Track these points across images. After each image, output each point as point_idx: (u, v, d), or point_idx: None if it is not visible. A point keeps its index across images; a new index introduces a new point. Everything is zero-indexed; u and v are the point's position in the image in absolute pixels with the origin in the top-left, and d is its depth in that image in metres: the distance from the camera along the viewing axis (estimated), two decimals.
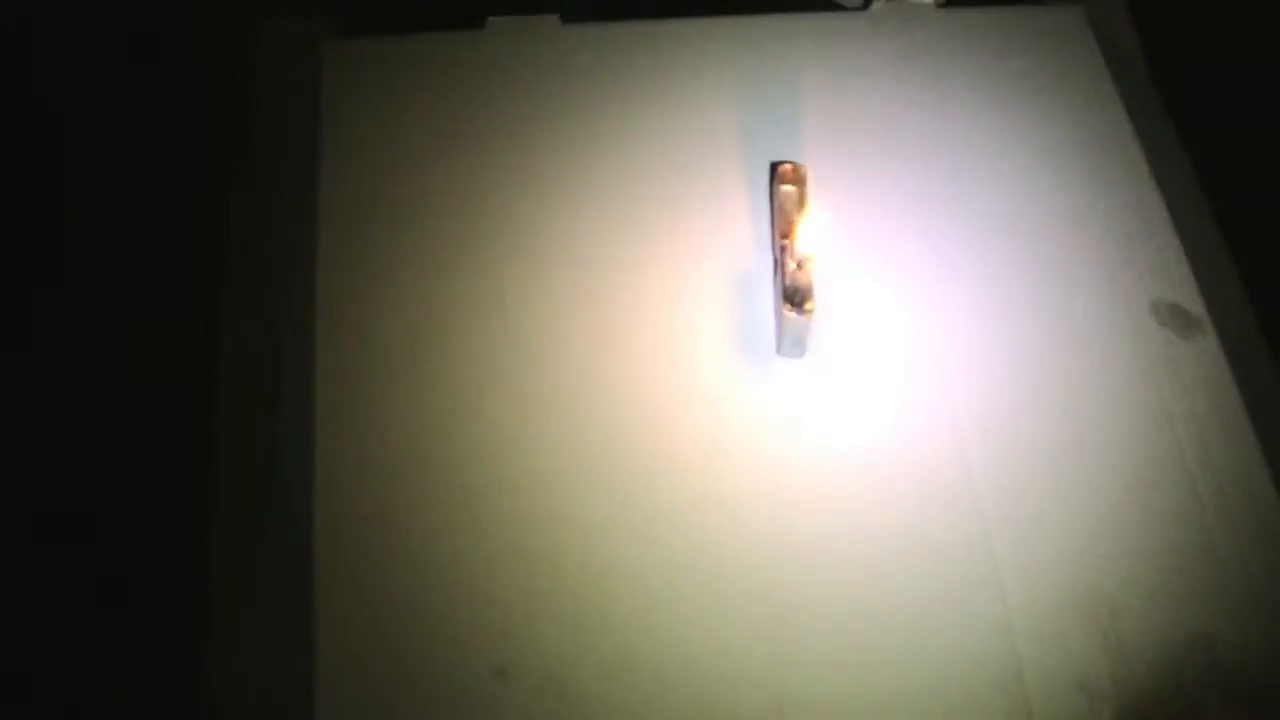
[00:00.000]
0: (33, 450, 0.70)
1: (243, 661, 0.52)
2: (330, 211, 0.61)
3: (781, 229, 0.57)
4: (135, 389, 0.70)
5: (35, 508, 0.68)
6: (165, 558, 0.62)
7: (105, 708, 0.63)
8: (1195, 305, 0.60)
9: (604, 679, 0.49)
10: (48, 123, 0.80)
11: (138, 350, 0.71)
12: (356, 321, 0.58)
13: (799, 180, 0.57)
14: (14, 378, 0.71)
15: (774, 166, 0.59)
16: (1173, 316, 0.60)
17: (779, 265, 0.57)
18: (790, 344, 0.56)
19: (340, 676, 0.49)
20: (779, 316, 0.56)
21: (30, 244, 0.76)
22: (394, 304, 0.58)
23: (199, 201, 0.70)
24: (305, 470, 0.54)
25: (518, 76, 0.66)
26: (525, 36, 0.67)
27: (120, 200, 0.77)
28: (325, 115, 0.64)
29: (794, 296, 0.54)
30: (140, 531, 0.66)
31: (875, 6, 0.69)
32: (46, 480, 0.68)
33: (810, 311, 0.54)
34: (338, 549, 0.52)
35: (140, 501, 0.67)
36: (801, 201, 0.57)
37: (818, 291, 0.55)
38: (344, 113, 0.64)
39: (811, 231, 0.54)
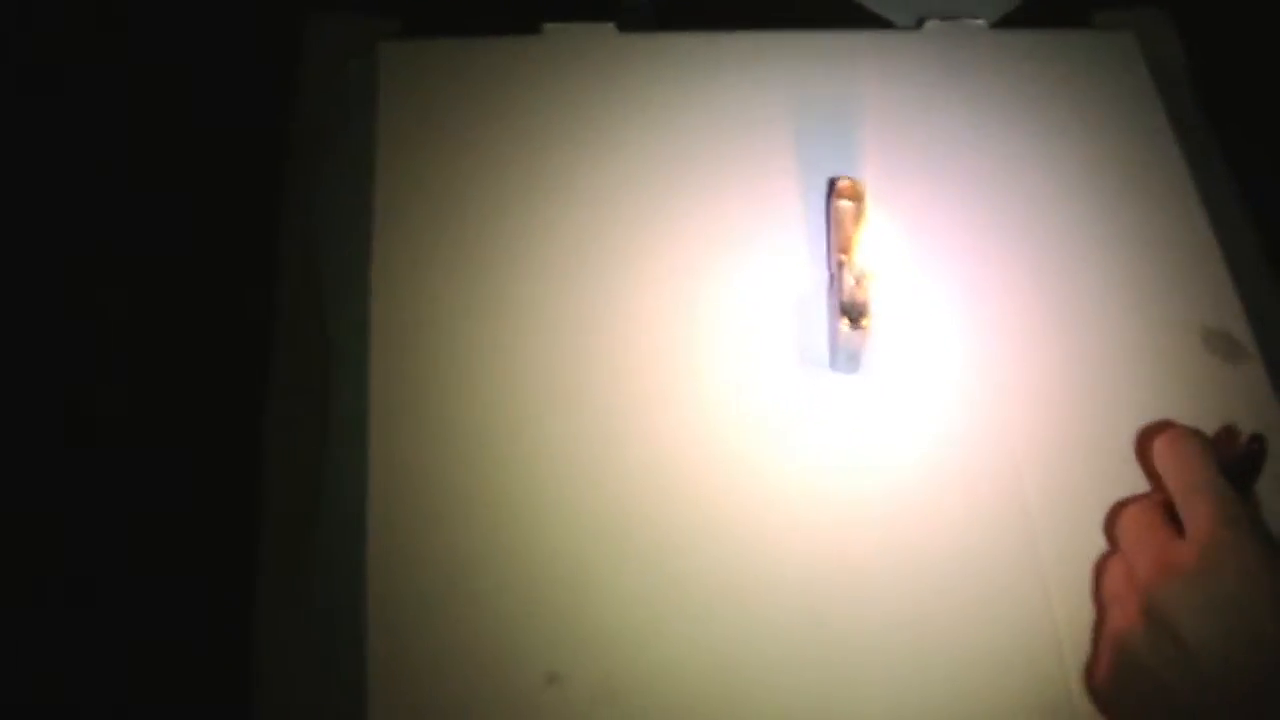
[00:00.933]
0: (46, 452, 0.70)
1: (293, 664, 0.52)
2: (385, 210, 0.61)
3: (839, 244, 0.57)
4: (181, 387, 0.70)
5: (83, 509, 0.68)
6: (213, 562, 0.63)
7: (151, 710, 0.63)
8: (1242, 332, 0.60)
9: (655, 688, 0.50)
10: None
11: (183, 347, 0.71)
12: (411, 323, 0.58)
13: (857, 196, 0.58)
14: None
15: (832, 182, 0.60)
16: (1220, 343, 0.60)
17: (835, 280, 0.57)
18: (845, 359, 0.56)
19: (391, 679, 0.49)
20: (833, 331, 0.56)
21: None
22: (449, 307, 0.58)
23: (249, 194, 0.71)
24: (358, 473, 0.54)
25: (573, 84, 0.66)
26: (581, 44, 0.67)
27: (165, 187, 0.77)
28: (381, 114, 0.64)
29: (851, 311, 0.55)
30: (186, 532, 0.66)
31: (928, 25, 0.70)
32: (81, 482, 0.69)
33: (867, 327, 0.54)
34: (389, 553, 0.52)
35: (186, 499, 0.67)
36: (859, 217, 0.57)
37: (872, 307, 0.55)
38: (400, 112, 0.64)
39: (871, 247, 0.54)
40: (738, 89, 0.66)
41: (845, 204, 0.58)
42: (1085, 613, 0.52)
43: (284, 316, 0.60)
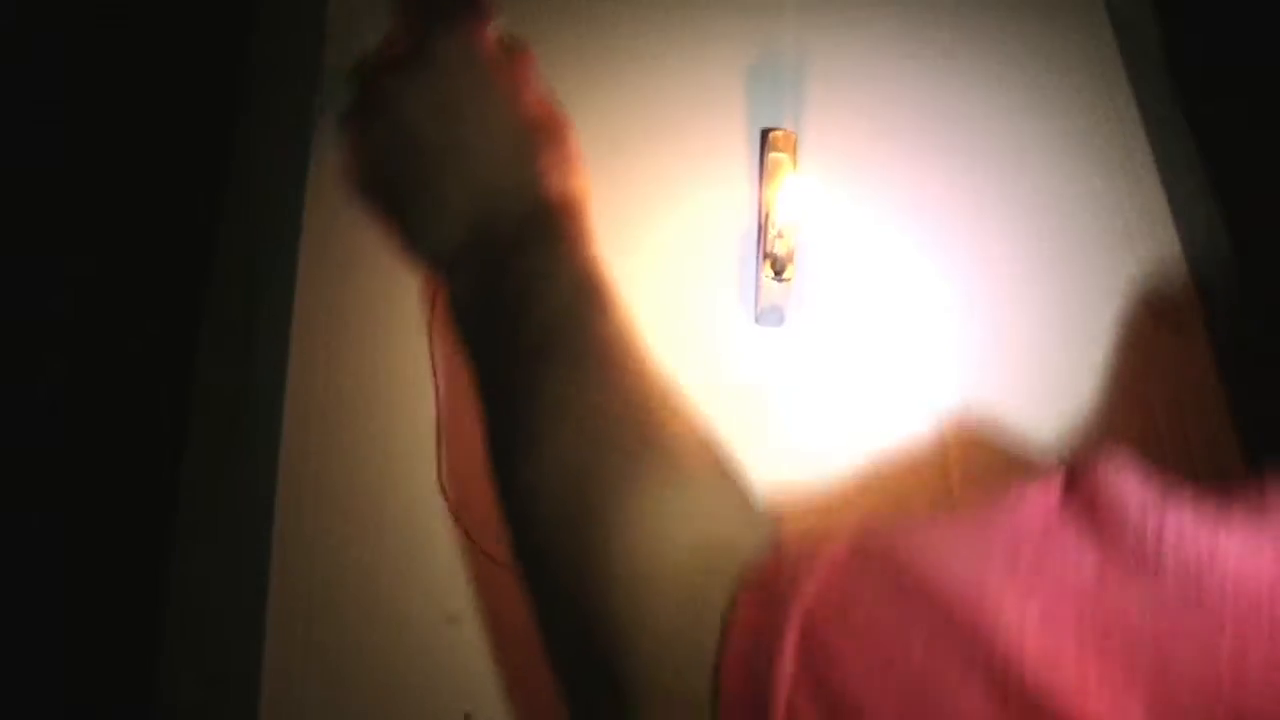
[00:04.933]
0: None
1: (200, 579, 0.53)
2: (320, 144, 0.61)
3: (767, 196, 0.56)
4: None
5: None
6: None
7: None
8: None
9: None
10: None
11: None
12: (339, 251, 0.58)
13: (789, 147, 0.57)
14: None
15: (764, 133, 0.59)
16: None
17: (762, 232, 0.56)
18: (768, 312, 0.56)
19: (289, 620, 0.51)
20: (757, 284, 0.56)
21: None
22: (377, 239, 0.58)
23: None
24: (271, 426, 0.55)
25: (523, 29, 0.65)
26: None
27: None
28: (329, 35, 0.64)
29: (774, 264, 0.54)
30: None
31: None
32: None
33: (788, 280, 0.54)
34: (299, 489, 0.53)
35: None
36: (790, 169, 0.56)
37: (803, 262, 0.54)
38: (348, 37, 0.64)
39: (792, 200, 0.53)
40: (687, 38, 0.65)
41: (777, 155, 0.57)
42: None
43: (225, 242, 0.61)
